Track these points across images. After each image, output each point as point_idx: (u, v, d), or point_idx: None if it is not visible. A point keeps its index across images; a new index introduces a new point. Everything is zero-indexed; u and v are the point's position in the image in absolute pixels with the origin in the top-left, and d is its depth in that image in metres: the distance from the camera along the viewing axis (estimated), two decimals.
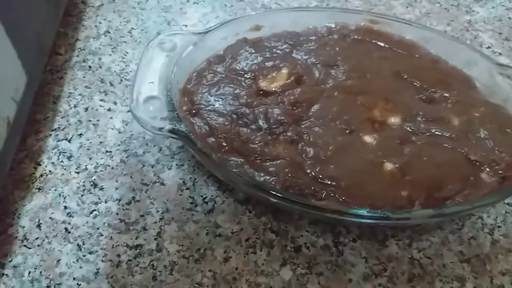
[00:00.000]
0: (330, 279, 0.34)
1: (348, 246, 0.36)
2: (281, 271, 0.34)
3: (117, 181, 0.38)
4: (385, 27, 0.45)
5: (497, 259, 0.36)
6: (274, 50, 0.42)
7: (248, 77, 0.40)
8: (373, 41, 0.44)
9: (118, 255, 0.34)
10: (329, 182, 0.33)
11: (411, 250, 0.36)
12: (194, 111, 0.38)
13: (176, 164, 0.40)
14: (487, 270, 0.35)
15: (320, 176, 0.33)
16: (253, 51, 0.42)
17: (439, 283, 0.34)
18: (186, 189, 0.38)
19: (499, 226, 0.38)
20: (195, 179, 0.39)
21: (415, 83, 0.41)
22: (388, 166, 0.34)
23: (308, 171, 0.34)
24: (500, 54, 0.52)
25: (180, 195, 0.38)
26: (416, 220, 0.33)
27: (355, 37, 0.44)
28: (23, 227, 0.35)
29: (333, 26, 0.45)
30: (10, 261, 0.33)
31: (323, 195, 0.32)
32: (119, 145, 0.41)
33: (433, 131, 0.37)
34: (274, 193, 0.32)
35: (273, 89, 0.39)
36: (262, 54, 0.41)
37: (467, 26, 0.55)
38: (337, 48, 0.43)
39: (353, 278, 0.34)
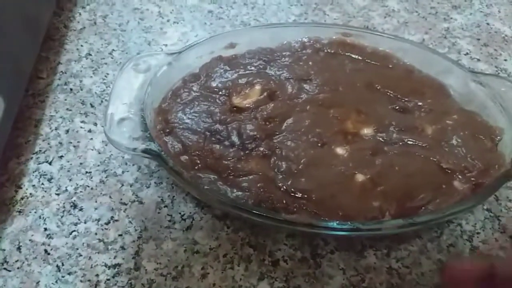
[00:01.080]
0: None
1: (326, 258, 0.36)
2: (259, 285, 0.34)
3: (96, 201, 0.39)
4: (359, 39, 0.46)
5: None
6: (248, 67, 0.43)
7: (222, 94, 0.41)
8: (347, 53, 0.45)
9: (97, 275, 0.34)
10: (301, 195, 0.33)
11: (389, 260, 0.36)
12: (168, 130, 0.38)
13: (155, 182, 0.40)
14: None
15: (292, 189, 0.34)
16: (227, 68, 0.42)
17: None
18: (164, 207, 0.38)
19: (478, 233, 0.38)
20: (173, 196, 0.39)
21: (388, 93, 0.41)
22: (360, 177, 0.35)
23: (280, 185, 0.34)
24: (478, 60, 0.53)
25: (159, 213, 0.38)
26: (387, 231, 0.33)
27: (328, 50, 0.45)
28: (3, 250, 0.36)
29: (306, 41, 0.45)
30: None
31: (295, 208, 0.33)
32: (98, 165, 0.41)
33: (405, 140, 0.37)
34: (247, 209, 0.32)
35: (246, 105, 0.39)
36: (237, 71, 0.42)
37: (445, 34, 0.56)
38: (310, 63, 0.43)
39: None
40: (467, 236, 0.37)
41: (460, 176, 0.35)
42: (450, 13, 0.59)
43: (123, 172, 0.41)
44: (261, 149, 0.36)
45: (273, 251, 0.36)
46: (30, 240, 0.36)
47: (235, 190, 0.34)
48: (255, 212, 0.31)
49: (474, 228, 0.38)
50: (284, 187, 0.34)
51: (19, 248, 0.36)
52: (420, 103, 0.41)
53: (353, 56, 0.45)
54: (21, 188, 0.39)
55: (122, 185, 0.40)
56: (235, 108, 0.39)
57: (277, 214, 0.32)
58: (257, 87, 0.40)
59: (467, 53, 0.53)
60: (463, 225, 0.38)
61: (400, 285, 0.34)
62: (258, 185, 0.34)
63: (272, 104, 0.39)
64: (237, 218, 0.37)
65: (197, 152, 0.36)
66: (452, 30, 0.56)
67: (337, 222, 0.31)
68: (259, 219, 0.31)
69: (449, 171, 0.35)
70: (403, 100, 0.41)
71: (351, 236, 0.35)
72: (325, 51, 0.45)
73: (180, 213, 0.38)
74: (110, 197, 0.39)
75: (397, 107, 0.40)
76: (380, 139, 0.37)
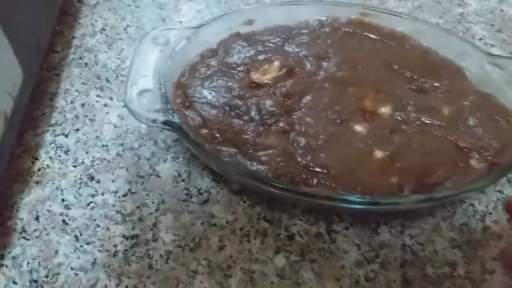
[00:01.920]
0: (323, 266, 0.34)
1: (341, 234, 0.36)
2: (275, 258, 0.35)
3: (113, 174, 0.39)
4: (376, 20, 0.46)
5: (489, 245, 0.36)
6: (266, 43, 0.43)
7: (240, 70, 0.41)
8: (364, 33, 0.45)
9: (115, 245, 0.35)
10: (320, 170, 0.34)
11: (403, 237, 0.36)
12: (187, 103, 0.38)
13: (171, 157, 0.40)
14: (479, 255, 0.35)
15: (311, 164, 0.34)
16: (245, 44, 0.42)
17: (430, 268, 0.35)
18: (181, 181, 0.39)
19: (490, 213, 0.38)
20: (190, 171, 0.39)
21: (405, 74, 0.41)
22: (378, 154, 0.35)
23: (299, 159, 0.34)
24: (492, 45, 0.53)
25: (176, 186, 0.38)
26: (405, 205, 0.34)
27: (346, 29, 0.45)
28: (22, 219, 0.36)
29: (324, 19, 0.45)
30: (9, 252, 0.34)
31: (314, 182, 0.33)
32: (115, 139, 0.41)
33: (423, 120, 0.38)
34: (267, 181, 0.32)
35: (265, 81, 0.39)
36: (255, 48, 0.42)
37: (460, 19, 0.56)
38: (329, 41, 0.43)
39: (345, 265, 0.35)
40: (479, 216, 0.38)
41: (476, 155, 0.35)
42: None
43: (139, 146, 0.41)
44: (281, 124, 0.36)
45: (289, 226, 0.36)
46: (48, 210, 0.37)
47: (254, 164, 0.34)
48: (276, 184, 0.32)
49: (486, 208, 0.38)
50: (304, 162, 0.34)
51: (37, 218, 0.36)
52: (436, 84, 0.41)
53: (371, 36, 0.45)
54: (38, 159, 0.40)
55: (139, 158, 0.40)
56: (253, 84, 0.40)
57: (297, 187, 0.32)
58: (276, 63, 0.41)
59: (481, 39, 0.53)
60: (476, 205, 0.38)
61: (414, 261, 0.35)
62: (278, 159, 0.34)
63: (291, 81, 0.39)
64: (254, 193, 0.38)
65: (217, 126, 0.36)
66: (466, 15, 0.56)
67: (357, 196, 0.31)
68: (279, 192, 0.32)
69: (466, 150, 0.36)
70: (420, 81, 0.41)
71: (369, 210, 0.35)
72: (343, 30, 0.45)
73: (197, 187, 0.38)
74: (127, 170, 0.39)
75: (414, 87, 0.41)
76: (398, 118, 0.38)
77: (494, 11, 0.57)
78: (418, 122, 0.38)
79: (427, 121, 0.38)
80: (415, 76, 0.41)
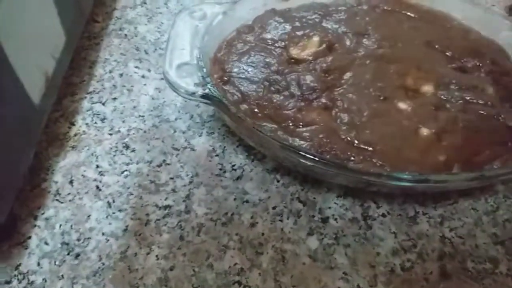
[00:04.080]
0: (357, 251, 0.33)
1: (377, 221, 0.35)
2: (308, 240, 0.34)
3: (148, 144, 0.39)
4: None
5: None
6: (304, 20, 0.42)
7: (278, 46, 0.40)
8: (403, 11, 0.44)
9: (147, 214, 0.34)
10: (365, 147, 0.33)
11: (442, 229, 0.35)
12: (225, 78, 0.38)
13: (207, 132, 0.40)
14: None
15: (356, 141, 0.33)
16: (282, 20, 0.42)
17: (471, 263, 0.33)
18: (215, 155, 0.38)
19: None
20: (225, 147, 0.39)
21: (447, 53, 0.41)
22: (424, 131, 0.34)
23: (343, 136, 0.33)
24: None
25: (210, 161, 0.38)
26: (454, 184, 0.32)
27: (385, 7, 0.44)
28: (56, 182, 0.36)
29: None
30: (43, 213, 0.34)
31: (360, 159, 0.32)
32: (151, 110, 0.41)
33: (467, 98, 0.37)
34: (312, 156, 0.31)
35: (305, 56, 0.38)
36: (292, 24, 0.42)
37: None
38: (367, 18, 0.43)
39: (381, 252, 0.33)
40: None
41: None
42: None
43: (175, 119, 0.40)
44: (322, 100, 0.35)
45: (323, 208, 0.35)
46: (82, 175, 0.37)
47: (296, 140, 0.33)
48: (322, 160, 0.30)
49: None
50: (348, 138, 0.33)
51: (71, 182, 0.36)
52: (479, 64, 0.40)
53: (410, 14, 0.44)
54: (74, 125, 0.40)
55: (175, 131, 0.39)
56: (292, 60, 0.39)
57: (344, 163, 0.31)
58: (315, 38, 0.40)
59: None
60: None
61: (453, 254, 0.33)
62: (321, 135, 0.33)
63: (331, 57, 0.39)
64: (288, 173, 0.37)
65: (257, 101, 0.36)
66: None
67: (406, 172, 0.30)
68: (324, 168, 0.30)
69: None
70: (462, 60, 0.40)
71: (416, 188, 0.34)
72: (381, 8, 0.44)
73: (230, 163, 0.38)
74: (162, 141, 0.39)
75: (456, 67, 0.40)
76: (442, 96, 0.37)
77: None
78: (462, 101, 0.37)
79: (471, 100, 0.37)
80: (457, 56, 0.41)
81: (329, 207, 0.35)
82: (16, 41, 0.29)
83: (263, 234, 0.34)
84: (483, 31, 0.43)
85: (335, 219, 0.35)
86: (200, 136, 0.39)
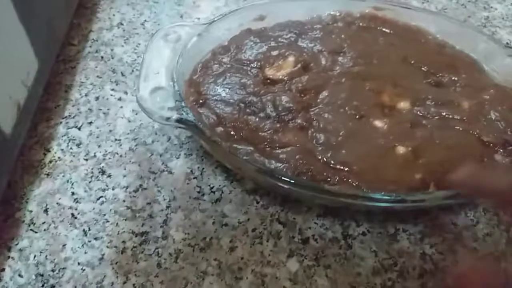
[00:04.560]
0: (338, 272, 0.33)
1: (358, 240, 0.35)
2: (288, 262, 0.33)
3: (125, 169, 0.38)
4: (390, 14, 0.45)
5: None
6: (279, 39, 0.42)
7: (254, 66, 0.40)
8: (379, 27, 0.44)
9: (124, 242, 0.34)
10: (342, 167, 0.33)
11: (422, 245, 0.35)
12: (201, 101, 0.37)
13: (185, 154, 0.39)
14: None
15: (332, 161, 0.33)
16: (258, 40, 0.42)
17: (451, 280, 0.33)
18: (193, 178, 0.38)
19: None
20: (203, 168, 0.38)
21: (422, 68, 0.41)
22: (401, 149, 0.34)
23: (320, 157, 0.33)
24: None
25: (188, 184, 0.37)
26: (431, 202, 0.32)
27: (360, 24, 0.44)
28: (31, 211, 0.35)
29: (337, 14, 0.45)
30: (16, 244, 0.33)
31: (336, 180, 0.32)
32: (128, 133, 0.40)
33: (443, 114, 0.37)
34: (288, 179, 0.31)
35: (280, 77, 0.38)
36: (267, 43, 0.41)
37: (485, 22, 0.54)
38: (343, 36, 0.43)
39: (362, 272, 0.33)
40: (504, 227, 0.36)
41: (501, 150, 0.34)
42: (490, 2, 0.57)
43: (152, 141, 0.40)
44: (298, 121, 0.35)
45: (303, 229, 0.35)
46: (57, 203, 0.36)
47: (273, 162, 0.33)
48: (298, 183, 0.30)
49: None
50: (324, 159, 0.33)
51: (46, 211, 0.35)
52: (454, 78, 0.40)
53: (385, 30, 0.44)
54: (49, 151, 0.39)
55: (152, 154, 0.39)
56: (268, 80, 0.39)
57: (319, 185, 0.31)
58: (291, 58, 0.40)
59: (507, 43, 0.52)
60: (501, 215, 0.37)
61: (434, 271, 0.33)
62: (297, 156, 0.33)
63: (307, 76, 0.39)
64: (267, 194, 0.37)
65: (232, 124, 0.35)
66: (492, 19, 0.55)
67: (382, 193, 0.30)
68: (301, 190, 0.30)
69: (490, 145, 0.35)
70: (437, 75, 0.41)
71: (393, 208, 0.34)
72: (357, 24, 0.44)
73: (209, 185, 0.37)
74: (139, 165, 0.38)
75: (432, 82, 0.40)
76: (418, 112, 0.37)
77: None
78: (438, 117, 0.37)
79: (447, 116, 0.37)
80: (432, 71, 0.41)
81: (309, 227, 0.35)
82: None
83: (242, 258, 0.33)
84: (458, 45, 0.43)
85: (315, 240, 0.35)
86: (177, 158, 0.39)
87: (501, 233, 0.35)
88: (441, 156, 0.34)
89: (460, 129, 0.36)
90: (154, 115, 0.35)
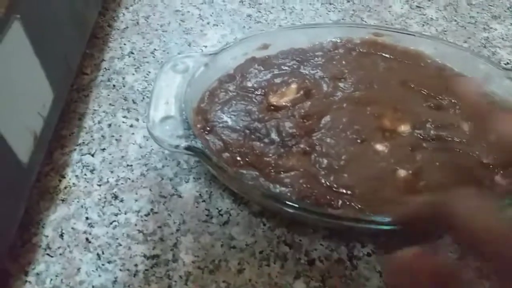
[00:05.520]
0: None
1: (363, 260, 0.35)
2: (295, 283, 0.34)
3: (136, 194, 0.40)
4: (389, 39, 0.47)
5: None
6: (282, 66, 0.44)
7: (258, 93, 0.41)
8: (378, 53, 0.46)
9: (136, 265, 0.35)
10: (344, 191, 0.34)
11: None
12: (208, 128, 0.39)
13: (193, 178, 0.41)
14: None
15: (335, 185, 0.34)
16: (262, 68, 0.43)
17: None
18: (202, 201, 0.39)
19: None
20: (211, 192, 0.40)
21: (422, 91, 0.42)
22: (402, 172, 0.35)
23: (323, 181, 0.34)
24: None
25: (197, 207, 0.39)
26: None
27: (361, 50, 0.46)
28: (47, 236, 0.37)
29: (338, 41, 0.46)
30: (33, 268, 0.35)
31: (339, 203, 0.33)
32: (139, 159, 0.42)
33: (443, 137, 0.38)
34: (291, 203, 0.32)
35: (283, 103, 0.40)
36: (271, 71, 0.43)
37: (485, 43, 0.55)
38: (344, 62, 0.44)
39: None
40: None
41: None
42: (490, 22, 0.58)
43: (163, 166, 0.41)
44: (301, 146, 0.36)
45: (309, 250, 0.36)
46: (72, 228, 0.37)
47: (277, 186, 0.34)
48: (301, 207, 0.32)
49: None
50: (327, 183, 0.34)
51: (61, 235, 0.37)
52: (454, 101, 0.41)
53: (385, 55, 0.45)
54: (64, 177, 0.41)
55: (162, 179, 0.41)
56: (272, 107, 0.40)
57: (322, 209, 0.32)
58: (293, 85, 0.41)
59: (507, 63, 0.53)
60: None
61: None
62: (301, 181, 0.34)
63: (309, 102, 0.40)
64: (274, 216, 0.38)
65: (238, 149, 0.37)
66: (492, 39, 0.56)
67: (384, 216, 0.31)
68: (304, 214, 0.32)
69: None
70: (437, 98, 0.42)
71: (395, 231, 0.35)
72: (357, 50, 0.46)
73: (217, 208, 0.38)
74: (150, 190, 0.40)
75: (431, 105, 0.41)
76: (418, 135, 0.38)
77: None
78: (438, 140, 0.38)
79: (447, 138, 0.38)
80: (432, 94, 0.42)
81: (315, 249, 0.36)
82: (2, 105, 0.31)
83: (250, 280, 0.34)
84: (457, 67, 0.45)
85: (321, 261, 0.35)
86: (187, 182, 0.40)
87: None
88: (442, 178, 0.35)
89: (460, 151, 0.37)
90: (163, 143, 0.36)
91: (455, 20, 0.58)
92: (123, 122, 0.45)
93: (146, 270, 0.35)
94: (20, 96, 0.34)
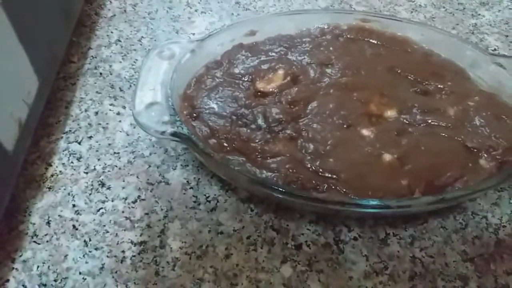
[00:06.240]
0: (330, 277, 0.34)
1: (349, 244, 0.36)
2: (282, 268, 0.34)
3: (124, 181, 0.39)
4: (377, 25, 0.46)
5: (502, 258, 0.35)
6: (270, 53, 0.44)
7: (245, 79, 0.41)
8: (366, 39, 0.46)
9: (123, 251, 0.35)
10: (330, 175, 0.34)
11: (412, 249, 0.36)
12: (194, 114, 0.39)
13: (181, 165, 0.41)
14: (491, 269, 0.35)
15: (321, 170, 0.34)
16: (249, 55, 0.43)
17: (441, 282, 0.34)
18: (190, 188, 0.39)
19: (504, 226, 0.37)
20: (199, 179, 0.40)
21: (409, 77, 0.42)
22: (387, 157, 0.35)
23: (309, 165, 0.34)
24: (506, 56, 0.52)
25: (184, 194, 0.39)
26: (416, 208, 0.33)
27: (348, 36, 0.46)
28: (33, 224, 0.37)
29: (325, 27, 0.46)
30: (20, 256, 0.35)
31: (325, 188, 0.33)
32: (126, 146, 0.42)
33: (429, 121, 0.38)
34: (277, 188, 0.32)
35: (270, 89, 0.40)
36: (258, 57, 0.43)
37: (473, 30, 0.55)
38: (331, 48, 0.44)
39: (353, 276, 0.34)
40: (492, 229, 0.37)
41: (485, 155, 0.36)
42: (478, 9, 0.58)
43: (150, 154, 0.41)
44: (288, 131, 0.37)
45: (296, 235, 0.36)
46: (59, 215, 0.37)
47: (264, 171, 0.34)
48: (286, 191, 0.32)
49: (500, 221, 0.37)
50: (313, 168, 0.34)
51: (48, 223, 0.37)
52: (440, 86, 0.41)
53: (372, 41, 0.45)
54: (51, 165, 0.40)
55: (149, 166, 0.40)
56: (259, 93, 0.40)
57: (308, 193, 0.32)
58: (280, 71, 0.41)
59: (495, 49, 0.53)
60: (489, 217, 0.38)
61: (423, 274, 0.34)
62: (287, 166, 0.34)
63: (296, 88, 0.40)
64: (261, 202, 0.38)
65: (225, 136, 0.37)
66: (480, 26, 0.56)
67: (368, 199, 0.31)
68: (290, 198, 0.32)
69: (475, 150, 0.36)
70: (423, 83, 0.42)
71: (380, 214, 0.35)
72: (345, 36, 0.46)
73: (205, 195, 0.38)
74: (137, 177, 0.40)
75: (418, 90, 0.41)
76: (404, 120, 0.38)
77: (509, 21, 0.57)
78: (424, 124, 0.38)
79: (433, 123, 0.38)
80: (419, 79, 0.42)
81: (302, 234, 0.36)
82: None
83: (237, 265, 0.34)
84: (444, 53, 0.45)
85: (308, 245, 0.36)
86: (174, 169, 0.40)
87: (489, 236, 0.36)
88: (426, 162, 0.35)
89: (445, 135, 0.37)
90: (149, 130, 0.36)
91: (444, 7, 0.58)
92: (110, 110, 0.45)
93: (133, 256, 0.35)
94: (3, 82, 0.34)
